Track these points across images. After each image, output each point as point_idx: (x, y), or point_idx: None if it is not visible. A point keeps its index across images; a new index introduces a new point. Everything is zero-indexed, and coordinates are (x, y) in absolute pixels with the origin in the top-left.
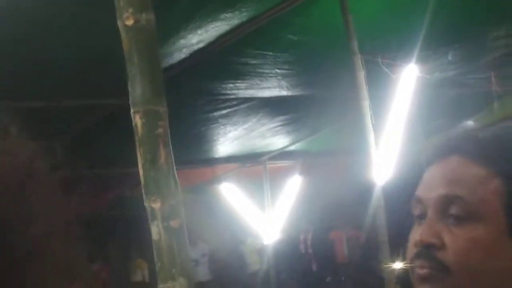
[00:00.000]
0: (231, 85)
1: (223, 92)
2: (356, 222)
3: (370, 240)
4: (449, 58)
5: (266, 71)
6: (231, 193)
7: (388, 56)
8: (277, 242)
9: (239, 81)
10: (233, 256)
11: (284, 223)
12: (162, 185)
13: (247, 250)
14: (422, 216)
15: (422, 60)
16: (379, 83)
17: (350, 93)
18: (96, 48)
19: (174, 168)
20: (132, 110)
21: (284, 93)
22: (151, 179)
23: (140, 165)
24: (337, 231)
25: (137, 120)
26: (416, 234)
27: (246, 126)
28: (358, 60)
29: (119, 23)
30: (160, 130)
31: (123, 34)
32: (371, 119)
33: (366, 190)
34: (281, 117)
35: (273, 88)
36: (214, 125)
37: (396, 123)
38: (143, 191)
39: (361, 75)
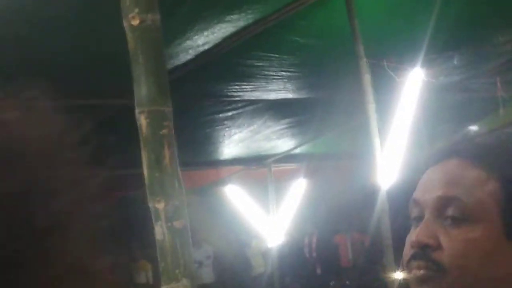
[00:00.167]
0: (237, 87)
1: (229, 94)
2: (360, 226)
3: (374, 244)
4: (455, 62)
5: (271, 73)
6: (235, 195)
7: (393, 60)
8: (281, 245)
9: (244, 83)
10: (238, 259)
11: (288, 226)
12: (166, 186)
13: (251, 253)
14: (419, 218)
15: (427, 64)
16: (385, 87)
17: (355, 97)
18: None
19: (179, 168)
20: (137, 110)
21: (289, 95)
22: (156, 179)
23: (144, 165)
24: (341, 234)
25: (142, 120)
26: (413, 236)
27: (251, 128)
28: (364, 64)
29: (125, 23)
30: (165, 131)
31: (128, 34)
32: (377, 123)
33: (370, 194)
34: (287, 120)
35: (278, 90)
36: (219, 127)
37: (401, 127)
38: (147, 191)
39: (367, 78)
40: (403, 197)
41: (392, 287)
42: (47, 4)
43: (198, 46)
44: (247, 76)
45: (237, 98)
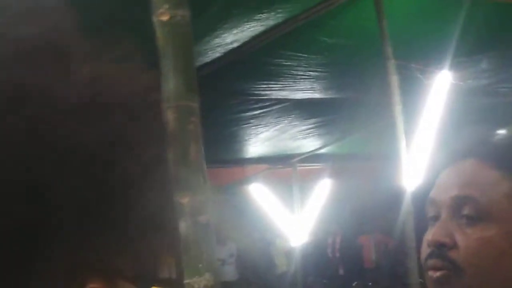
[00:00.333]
0: (264, 86)
1: (256, 92)
2: (384, 227)
3: (398, 246)
4: (483, 66)
5: (299, 72)
6: (260, 194)
7: (421, 62)
8: (305, 245)
9: (272, 82)
10: (262, 257)
11: (312, 226)
12: (192, 181)
13: (275, 252)
14: (436, 218)
15: (455, 67)
16: (412, 88)
17: (382, 98)
18: None
19: (204, 164)
20: (165, 106)
21: (316, 95)
22: (181, 174)
23: (170, 160)
24: (365, 235)
25: (169, 115)
26: (429, 235)
27: (277, 127)
28: (392, 65)
29: (154, 19)
30: (192, 126)
31: (158, 30)
32: (403, 125)
33: (395, 195)
34: (313, 120)
35: (306, 90)
36: (246, 125)
37: (427, 130)
38: (172, 186)
39: (394, 80)
40: (423, 198)
41: None
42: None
43: (227, 44)
44: (275, 75)
45: (264, 97)
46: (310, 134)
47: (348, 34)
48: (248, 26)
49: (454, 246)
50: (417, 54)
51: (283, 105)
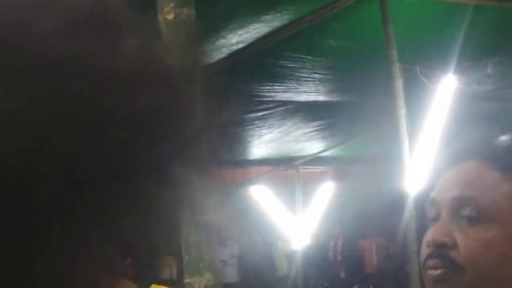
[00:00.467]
0: (268, 87)
1: (260, 94)
2: (386, 232)
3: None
4: (488, 70)
5: (304, 75)
6: (263, 196)
7: (426, 65)
8: (306, 248)
9: (276, 84)
10: (263, 259)
11: (314, 228)
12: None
13: (276, 254)
14: (436, 218)
15: (460, 71)
16: (416, 92)
17: (386, 101)
18: None
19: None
20: None
21: (320, 98)
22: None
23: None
24: (367, 240)
25: None
26: (429, 235)
27: (281, 129)
28: (396, 69)
29: (160, 17)
30: None
31: (163, 28)
32: (407, 128)
33: (398, 199)
34: (317, 122)
35: (310, 92)
36: (249, 127)
37: (431, 134)
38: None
39: (399, 83)
40: (424, 200)
41: None
42: None
43: (231, 44)
44: (279, 76)
45: (268, 99)
46: (313, 137)
47: (353, 37)
48: (253, 27)
49: (454, 246)
50: (422, 58)
51: (287, 107)
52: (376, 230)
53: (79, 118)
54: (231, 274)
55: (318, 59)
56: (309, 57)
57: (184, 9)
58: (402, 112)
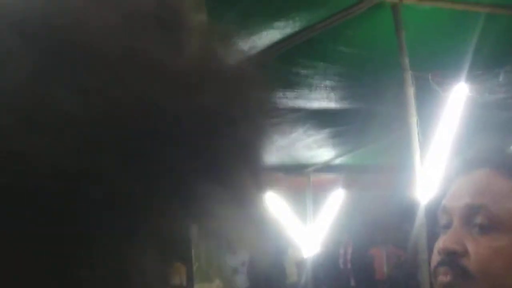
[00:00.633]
0: (280, 94)
1: (272, 100)
2: (397, 240)
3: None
4: (500, 79)
5: (316, 82)
6: (273, 203)
7: (438, 73)
8: (316, 255)
9: (288, 91)
10: (273, 266)
11: (324, 236)
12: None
13: (287, 261)
14: (448, 226)
15: (472, 79)
16: (428, 100)
17: (398, 109)
18: None
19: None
20: None
21: (332, 105)
22: None
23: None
24: (377, 247)
25: None
26: (440, 243)
27: (292, 136)
28: (408, 77)
29: None
30: None
31: None
32: (418, 136)
33: (409, 207)
34: (328, 129)
35: (321, 99)
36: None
37: (443, 141)
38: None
39: (411, 91)
40: (435, 207)
41: None
42: None
43: (243, 51)
44: (291, 83)
45: (280, 106)
46: (324, 144)
47: (365, 44)
48: (265, 33)
49: (465, 253)
50: (434, 66)
51: (298, 114)
52: (386, 238)
53: (150, 118)
54: (242, 281)
55: (330, 66)
56: (321, 64)
57: (195, 15)
58: (413, 120)
